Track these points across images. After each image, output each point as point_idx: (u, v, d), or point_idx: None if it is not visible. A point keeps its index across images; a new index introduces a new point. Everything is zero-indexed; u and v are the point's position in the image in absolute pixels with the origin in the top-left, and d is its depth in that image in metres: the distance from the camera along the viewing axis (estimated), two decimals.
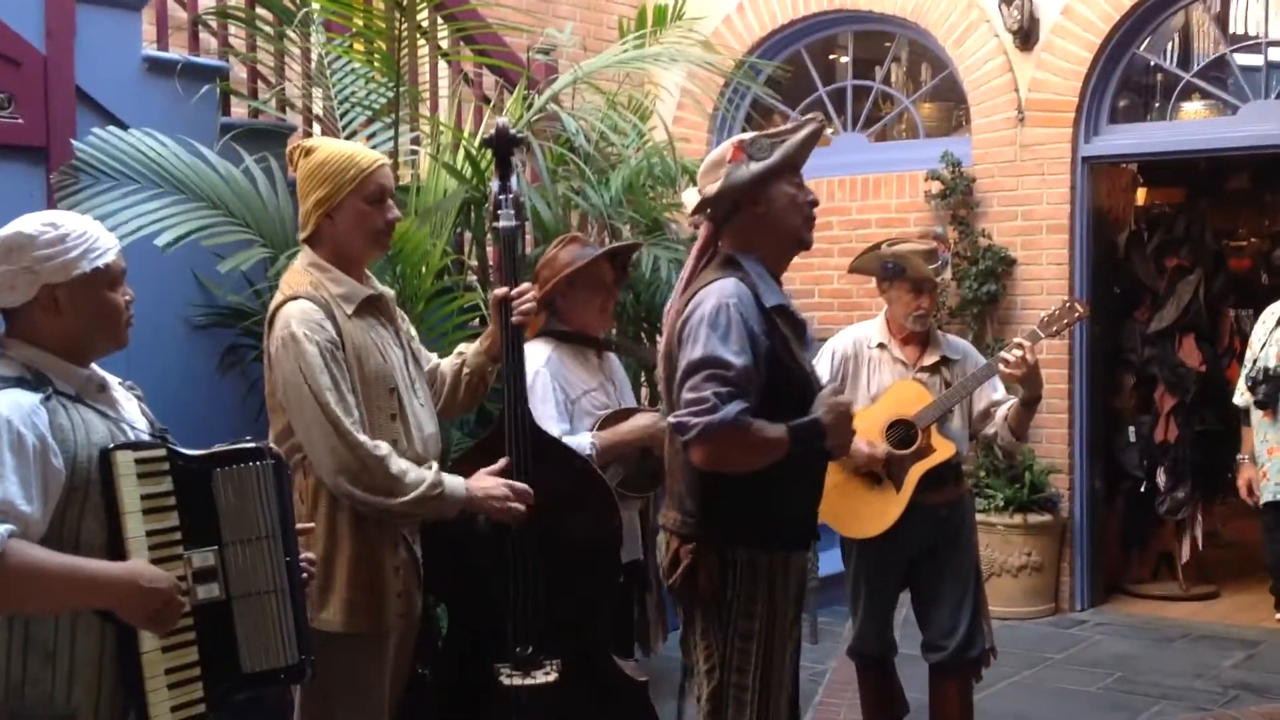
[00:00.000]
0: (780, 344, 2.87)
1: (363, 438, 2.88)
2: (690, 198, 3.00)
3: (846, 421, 2.87)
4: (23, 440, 2.15)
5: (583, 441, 3.55)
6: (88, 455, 2.23)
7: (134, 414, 2.43)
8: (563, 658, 3.22)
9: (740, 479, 2.83)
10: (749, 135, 2.95)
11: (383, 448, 2.91)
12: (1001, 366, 4.16)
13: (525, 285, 3.29)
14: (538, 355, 3.66)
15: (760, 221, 2.93)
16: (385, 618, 3.00)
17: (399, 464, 2.92)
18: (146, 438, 2.37)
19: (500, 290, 3.27)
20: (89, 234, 2.34)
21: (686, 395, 2.75)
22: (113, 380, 2.45)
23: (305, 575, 2.54)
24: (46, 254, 2.28)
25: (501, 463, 3.14)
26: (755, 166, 2.88)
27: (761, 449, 2.79)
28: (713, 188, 2.90)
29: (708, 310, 2.80)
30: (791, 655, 3.00)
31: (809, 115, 3.00)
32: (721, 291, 2.83)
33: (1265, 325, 5.22)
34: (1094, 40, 6.78)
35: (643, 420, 3.68)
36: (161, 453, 2.30)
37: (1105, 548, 7.22)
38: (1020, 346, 4.13)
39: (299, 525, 2.57)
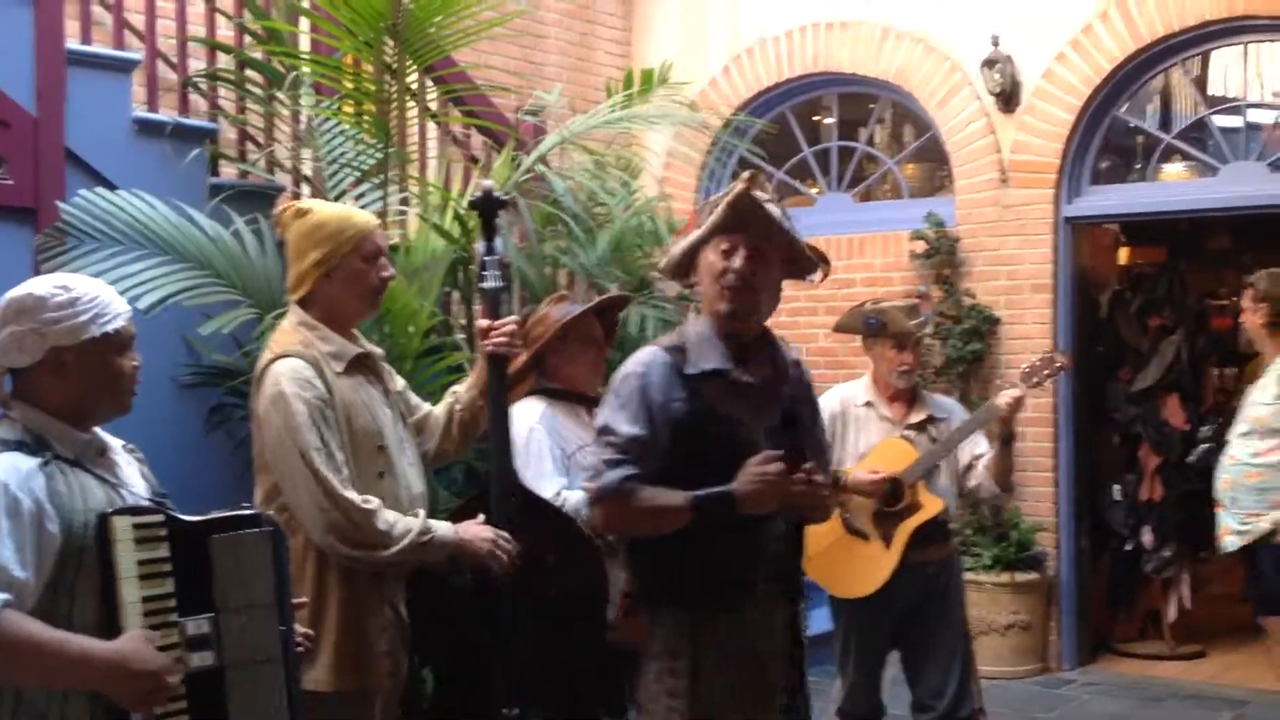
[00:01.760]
0: (703, 409, 2.86)
1: (351, 494, 2.88)
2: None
3: (769, 491, 2.79)
4: (19, 505, 2.14)
5: (581, 496, 3.56)
6: (84, 521, 2.21)
7: (134, 477, 2.42)
8: (550, 717, 3.19)
9: (662, 539, 2.86)
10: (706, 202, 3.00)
11: (371, 502, 2.91)
12: (1004, 408, 4.19)
13: (507, 318, 3.30)
14: (531, 412, 3.67)
15: (702, 288, 2.96)
16: (372, 677, 2.99)
17: (387, 517, 2.93)
18: (145, 502, 2.36)
19: (483, 322, 3.28)
20: (100, 298, 2.34)
21: (588, 461, 2.89)
22: (115, 443, 2.44)
23: (299, 647, 2.53)
24: (56, 316, 2.28)
25: (480, 519, 3.13)
26: (693, 237, 2.93)
27: (651, 516, 2.84)
28: (662, 261, 3.01)
29: (617, 378, 2.93)
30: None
31: (743, 174, 2.96)
32: (636, 360, 2.93)
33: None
34: (1075, 103, 6.86)
35: None
36: (159, 518, 2.28)
37: (1092, 606, 7.20)
38: (1015, 388, 4.22)
39: (295, 599, 2.55)
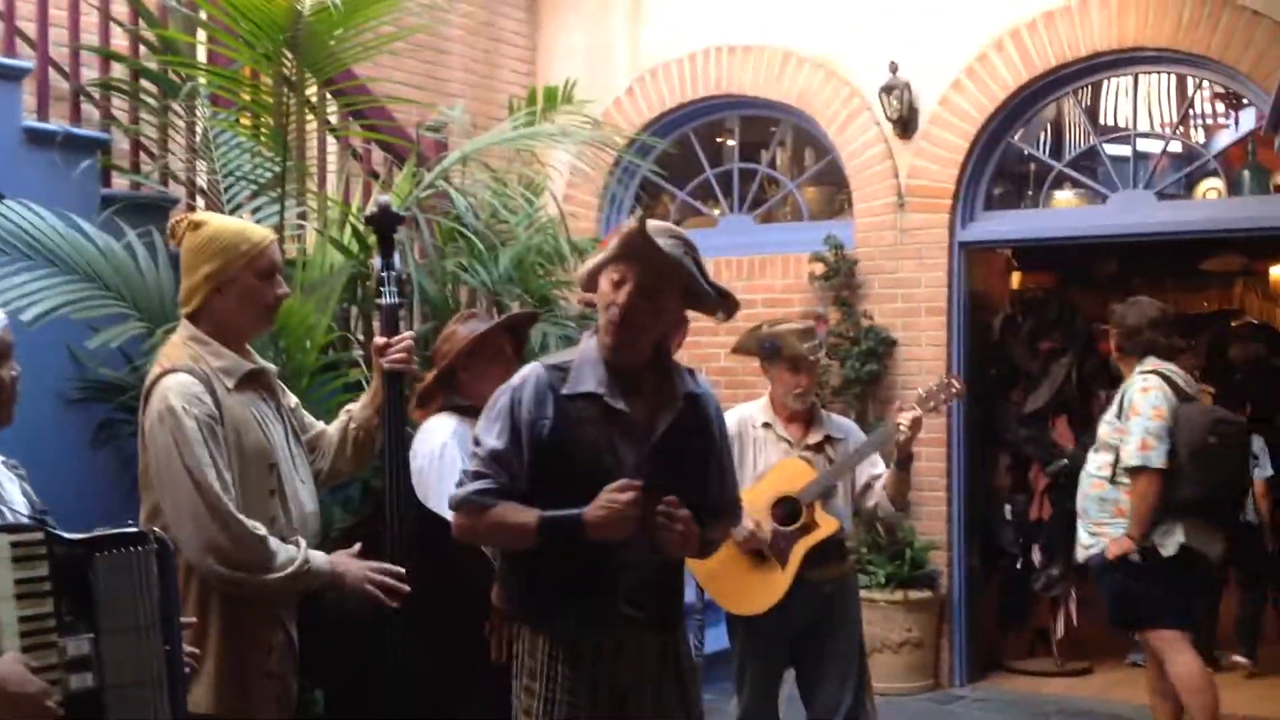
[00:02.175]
0: (569, 431, 2.85)
1: (239, 516, 2.83)
2: None
3: (618, 518, 2.76)
4: None
5: None
6: None
7: (14, 494, 2.36)
8: None
9: (526, 558, 2.89)
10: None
11: (259, 529, 2.86)
12: (902, 430, 4.25)
13: (403, 335, 3.28)
14: (443, 428, 3.66)
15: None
16: (256, 700, 2.93)
17: (272, 543, 2.88)
18: (25, 520, 2.30)
19: (380, 340, 3.26)
20: None
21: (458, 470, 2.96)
22: None
23: (187, 668, 2.47)
24: None
25: (355, 548, 3.09)
26: (594, 259, 2.96)
27: (499, 532, 2.90)
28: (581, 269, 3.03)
29: (496, 392, 2.96)
30: None
31: (636, 213, 3.01)
32: (517, 374, 2.96)
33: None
34: (970, 130, 7.01)
35: None
36: (39, 536, 2.23)
37: (983, 624, 7.33)
38: (913, 410, 4.29)
39: (183, 618, 2.50)
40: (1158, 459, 4.96)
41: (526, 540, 2.83)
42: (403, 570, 3.08)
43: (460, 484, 2.91)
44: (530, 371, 2.93)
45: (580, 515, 2.77)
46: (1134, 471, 5.00)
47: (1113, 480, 5.09)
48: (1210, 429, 4.98)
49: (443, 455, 3.56)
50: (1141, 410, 5.03)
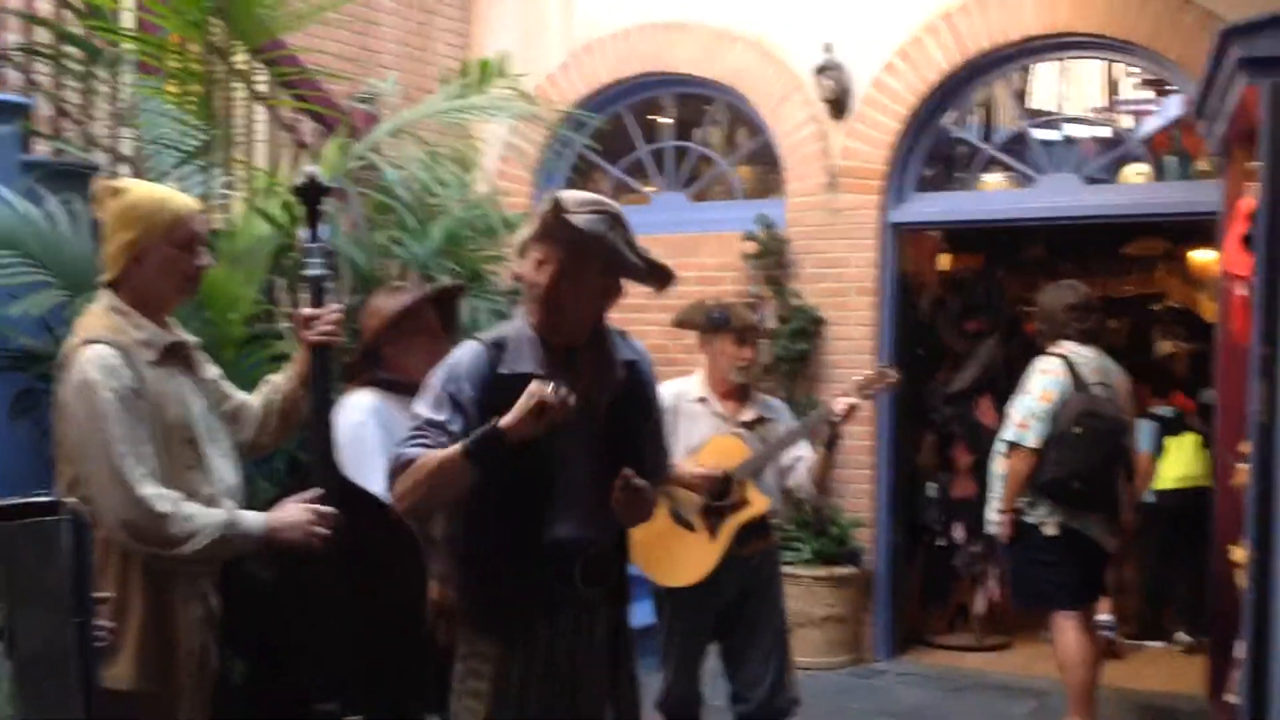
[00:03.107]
0: (501, 405, 2.81)
1: (149, 490, 2.79)
2: None
3: (536, 409, 2.73)
4: None
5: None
6: None
7: None
8: (368, 713, 3.16)
9: (478, 543, 2.92)
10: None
11: (166, 501, 2.81)
12: (837, 413, 4.31)
13: (331, 307, 3.23)
14: (363, 404, 3.63)
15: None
16: (177, 675, 2.91)
17: (186, 510, 2.83)
18: None
19: (306, 311, 3.20)
20: None
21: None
22: None
23: (100, 642, 2.44)
24: None
25: (313, 492, 3.05)
26: (521, 235, 2.99)
27: (434, 477, 2.82)
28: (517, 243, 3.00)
29: (434, 370, 2.98)
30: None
31: (551, 194, 2.93)
32: (457, 350, 2.99)
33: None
34: (902, 111, 7.07)
35: None
36: None
37: (906, 600, 7.44)
38: (847, 396, 4.36)
39: (98, 593, 2.46)
40: (1031, 438, 5.17)
41: (461, 476, 2.79)
42: (334, 510, 3.04)
43: (394, 456, 2.90)
44: (466, 350, 2.93)
45: (496, 424, 2.76)
46: (1009, 447, 5.23)
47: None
48: (1076, 419, 5.13)
49: (359, 435, 3.53)
50: (1031, 390, 5.26)
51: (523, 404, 2.73)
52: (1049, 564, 5.23)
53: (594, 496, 2.91)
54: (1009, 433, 5.27)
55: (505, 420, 2.74)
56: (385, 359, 3.75)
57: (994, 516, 5.36)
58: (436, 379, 2.94)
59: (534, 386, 2.74)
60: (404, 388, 3.74)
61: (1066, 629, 5.24)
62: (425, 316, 3.79)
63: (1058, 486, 5.14)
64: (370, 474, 3.45)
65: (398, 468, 2.87)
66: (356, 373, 3.78)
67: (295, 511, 2.99)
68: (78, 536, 2.30)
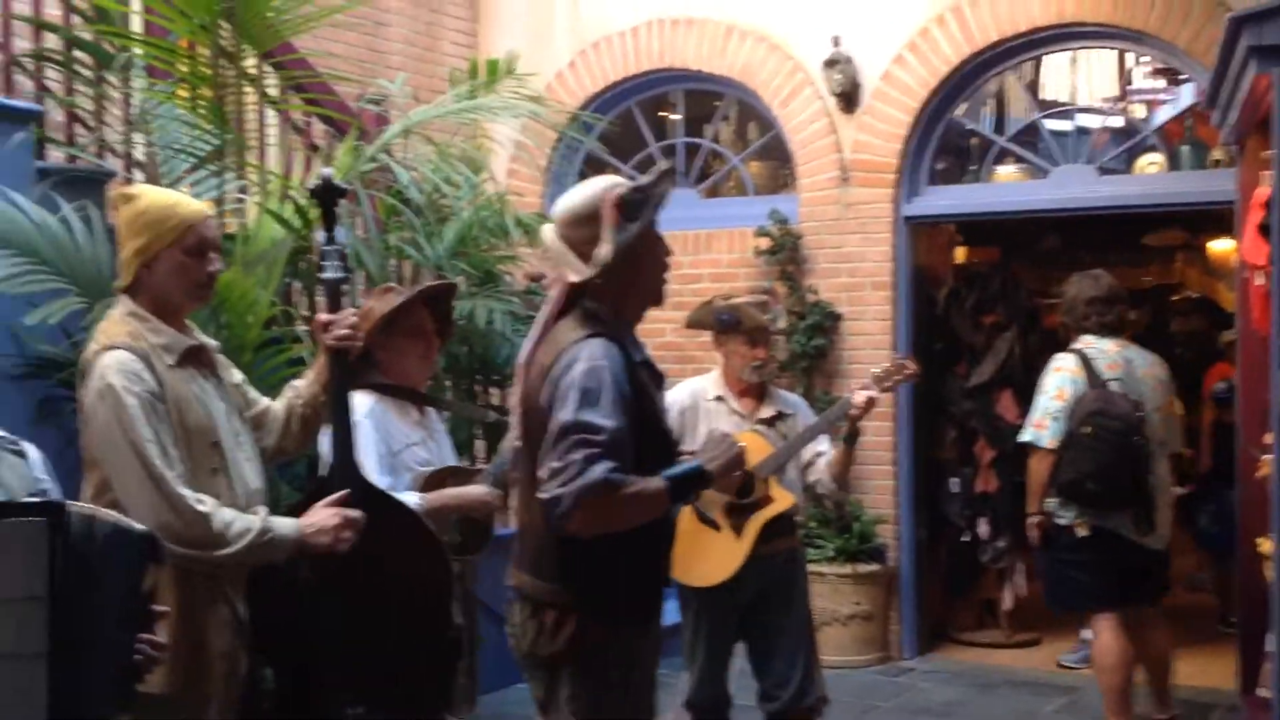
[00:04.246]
0: (646, 400, 2.86)
1: (185, 491, 2.77)
2: (555, 244, 2.93)
3: (739, 460, 2.92)
4: None
5: (410, 500, 3.51)
6: None
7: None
8: (394, 716, 3.13)
9: (605, 553, 2.79)
10: (622, 190, 2.88)
11: (206, 503, 2.80)
12: (857, 406, 4.29)
13: (347, 311, 3.21)
14: (359, 407, 3.58)
15: (631, 278, 2.91)
16: (207, 680, 2.88)
17: (224, 516, 2.82)
18: None
19: (323, 316, 3.19)
20: None
21: (553, 464, 2.69)
22: None
23: (137, 655, 2.40)
24: None
25: (341, 494, 3.03)
26: (633, 228, 2.85)
27: (638, 505, 2.76)
28: (605, 250, 2.83)
29: (579, 372, 2.75)
30: None
31: (663, 166, 2.96)
32: (592, 353, 2.78)
33: None
34: (913, 105, 7.01)
35: (475, 492, 3.68)
36: None
37: (931, 596, 7.38)
38: (867, 389, 4.33)
39: (157, 607, 2.45)
40: (1047, 438, 5.11)
41: (660, 507, 2.81)
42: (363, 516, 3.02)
43: (577, 473, 2.67)
44: (603, 348, 2.80)
45: (700, 466, 2.84)
46: (1028, 448, 5.17)
47: None
48: (1084, 419, 5.05)
49: (356, 435, 3.49)
50: (1046, 389, 5.21)
51: (729, 454, 2.87)
52: (1081, 564, 5.12)
53: None
54: (1027, 433, 5.21)
55: (712, 466, 2.84)
56: (379, 363, 3.71)
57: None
58: (595, 381, 2.74)
59: (741, 437, 2.99)
60: (396, 391, 3.71)
61: (1103, 630, 5.14)
62: (418, 317, 3.75)
63: (1075, 488, 5.06)
64: (366, 474, 3.40)
65: (600, 490, 2.67)
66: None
67: (324, 515, 2.96)
68: (55, 538, 2.23)
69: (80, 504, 2.45)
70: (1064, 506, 5.13)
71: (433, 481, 3.65)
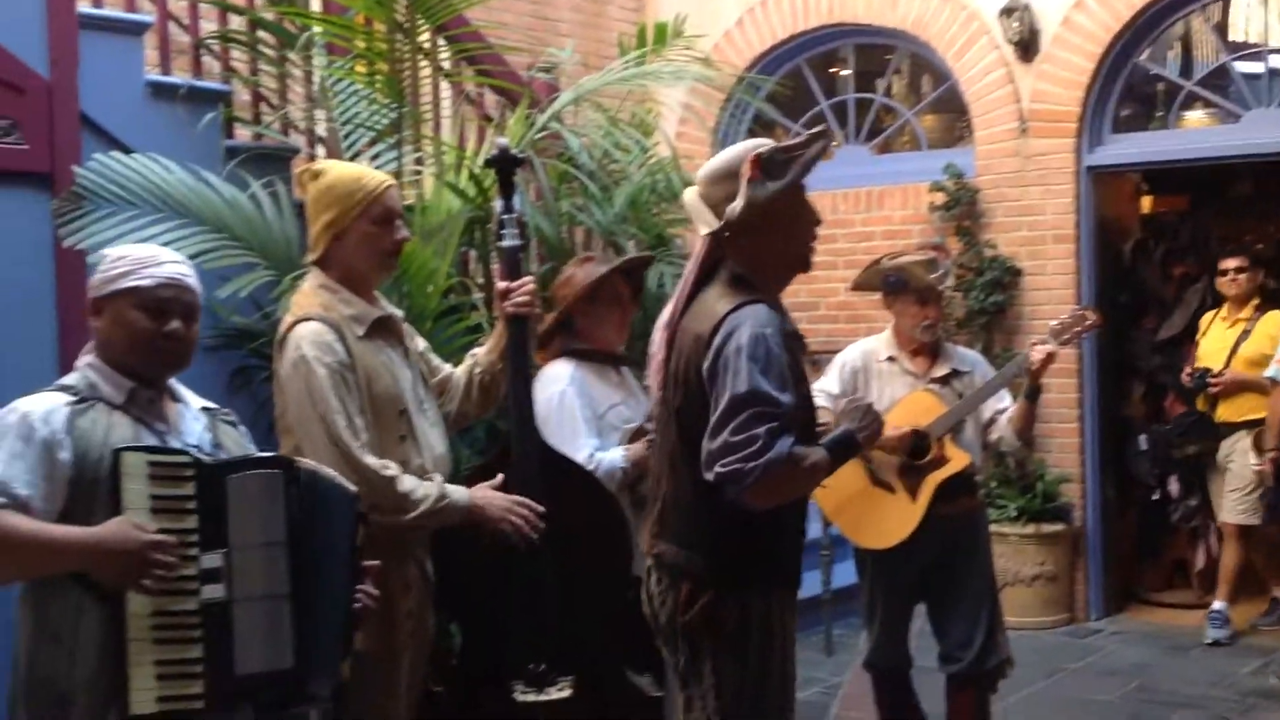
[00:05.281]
0: (798, 369, 2.82)
1: (370, 460, 2.87)
2: (692, 201, 2.89)
3: (879, 424, 2.92)
4: (33, 433, 2.32)
5: (615, 457, 3.62)
6: (100, 455, 2.34)
7: (191, 429, 2.51)
8: (576, 674, 3.20)
9: (754, 522, 2.73)
10: (764, 149, 2.80)
11: (391, 468, 2.91)
12: (1035, 362, 4.18)
13: (525, 279, 3.28)
14: (561, 375, 3.70)
15: (772, 241, 2.84)
16: (396, 637, 3.00)
17: (406, 483, 2.92)
18: (179, 447, 2.44)
19: (502, 284, 3.28)
20: (143, 259, 2.49)
21: (731, 438, 2.63)
22: (193, 400, 2.58)
23: (358, 603, 2.59)
24: (100, 272, 2.50)
25: (498, 479, 3.14)
26: (773, 186, 2.77)
27: (811, 476, 2.78)
28: (737, 205, 2.77)
29: (745, 340, 2.67)
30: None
31: (815, 129, 2.92)
32: (756, 320, 2.70)
33: None
34: (1095, 50, 6.77)
35: None
36: (184, 459, 2.38)
37: (1119, 556, 7.18)
38: (1044, 343, 4.22)
39: (366, 562, 2.62)
40: None
41: (824, 477, 2.82)
42: (541, 508, 3.10)
43: (762, 447, 2.61)
44: (766, 314, 2.74)
45: (852, 433, 2.85)
46: (1271, 383, 5.09)
47: None
48: None
49: (560, 404, 3.61)
50: None
51: (874, 424, 2.89)
52: None
53: None
54: (1271, 369, 5.08)
55: (861, 436, 2.86)
56: (578, 329, 3.79)
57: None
58: (763, 351, 2.67)
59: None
60: (596, 356, 3.79)
61: None
62: (617, 287, 3.82)
63: None
64: (572, 442, 3.50)
65: (785, 464, 2.64)
66: (549, 342, 3.83)
67: (500, 499, 3.08)
68: (289, 487, 2.46)
69: (304, 460, 2.60)
70: None
71: (639, 435, 3.72)
